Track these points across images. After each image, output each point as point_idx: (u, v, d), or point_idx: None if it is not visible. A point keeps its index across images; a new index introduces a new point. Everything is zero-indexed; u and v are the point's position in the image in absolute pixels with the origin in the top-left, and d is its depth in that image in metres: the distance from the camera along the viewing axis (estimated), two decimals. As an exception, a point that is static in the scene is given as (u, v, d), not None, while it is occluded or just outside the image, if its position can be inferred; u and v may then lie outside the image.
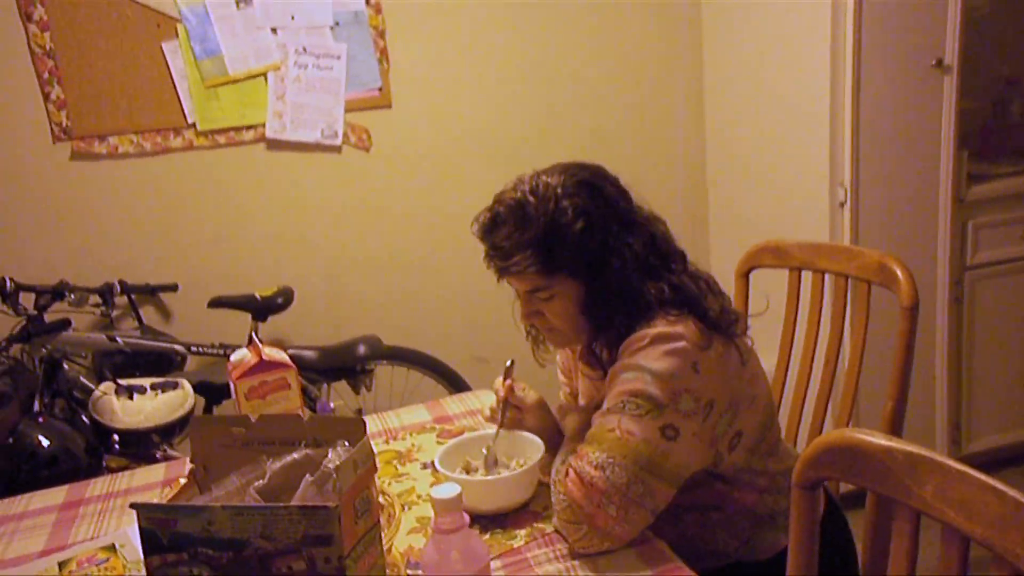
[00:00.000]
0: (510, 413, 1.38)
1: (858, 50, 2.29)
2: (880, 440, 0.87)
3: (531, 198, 1.24)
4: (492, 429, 1.40)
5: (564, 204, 1.23)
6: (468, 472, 1.34)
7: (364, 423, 0.89)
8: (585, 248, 1.23)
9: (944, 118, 2.40)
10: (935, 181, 2.46)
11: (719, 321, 1.23)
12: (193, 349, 2.40)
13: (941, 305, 2.55)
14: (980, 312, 2.63)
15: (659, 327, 1.20)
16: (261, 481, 0.85)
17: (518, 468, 1.31)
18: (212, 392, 2.37)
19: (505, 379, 1.40)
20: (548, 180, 1.26)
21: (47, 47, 2.38)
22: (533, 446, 1.33)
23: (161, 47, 2.47)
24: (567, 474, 1.18)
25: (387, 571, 1.07)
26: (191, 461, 0.93)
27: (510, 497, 1.28)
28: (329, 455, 0.83)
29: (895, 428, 1.46)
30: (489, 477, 1.31)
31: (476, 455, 1.37)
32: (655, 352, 1.19)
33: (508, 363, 1.42)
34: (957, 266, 2.56)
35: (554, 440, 1.35)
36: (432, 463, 1.49)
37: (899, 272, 1.47)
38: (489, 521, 1.26)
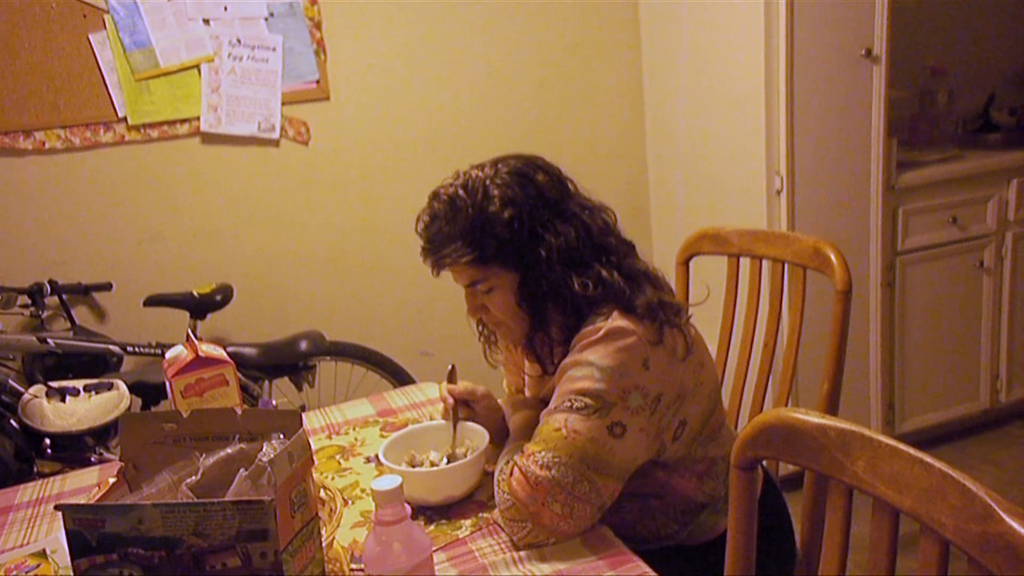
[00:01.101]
0: (462, 411, 1.38)
1: (790, 41, 2.34)
2: (814, 418, 0.89)
3: (461, 192, 1.24)
4: (436, 421, 1.39)
5: (493, 193, 1.23)
6: (413, 466, 1.33)
7: (299, 415, 0.88)
8: (514, 238, 1.23)
9: (874, 107, 2.47)
10: (867, 169, 2.53)
11: (651, 313, 1.22)
12: (129, 349, 2.33)
13: (874, 289, 2.63)
14: (911, 296, 2.71)
15: (613, 321, 1.20)
16: (194, 477, 0.83)
17: (463, 458, 1.31)
18: (149, 392, 2.31)
19: (449, 382, 1.40)
20: (479, 173, 1.26)
21: (-34, 38, 2.29)
22: (478, 436, 1.33)
23: (88, 38, 2.39)
24: (512, 473, 1.17)
25: (328, 566, 1.05)
26: (120, 459, 0.91)
27: (455, 488, 1.27)
28: (264, 449, 0.81)
29: (831, 408, 1.50)
30: (433, 468, 1.30)
31: (421, 448, 1.37)
32: (607, 348, 1.19)
33: (450, 367, 1.43)
34: (888, 251, 2.63)
35: (502, 432, 1.35)
36: (376, 456, 1.48)
37: (833, 257, 1.51)
38: (434, 512, 1.26)
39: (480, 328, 1.45)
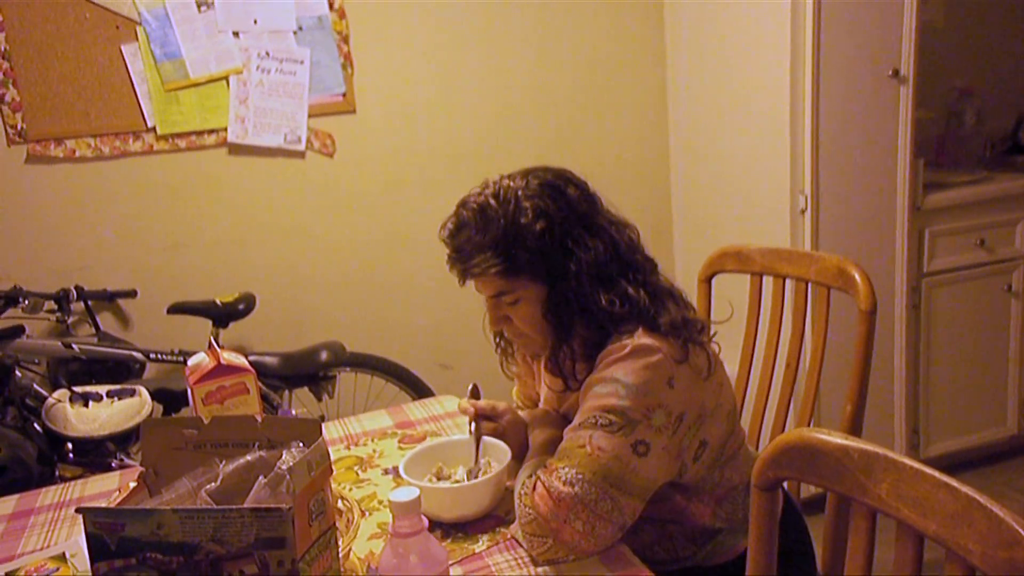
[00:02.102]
0: (487, 424, 1.37)
1: (817, 60, 2.33)
2: (836, 439, 0.88)
3: (492, 201, 1.24)
4: (456, 436, 1.39)
5: (524, 205, 1.22)
6: (440, 478, 1.32)
7: (319, 424, 0.88)
8: (545, 250, 1.22)
9: (900, 127, 2.45)
10: (892, 189, 2.51)
11: (675, 331, 1.22)
12: (152, 356, 2.35)
13: (899, 311, 2.60)
14: (937, 318, 2.68)
15: (639, 339, 1.20)
16: (213, 484, 0.83)
17: (485, 474, 1.29)
18: (171, 399, 2.33)
19: (472, 398, 1.40)
20: (510, 183, 1.25)
21: (2, 48, 2.33)
22: (499, 451, 1.32)
23: (120, 49, 2.43)
24: (535, 488, 1.17)
25: (345, 577, 1.05)
26: (141, 464, 0.91)
27: (477, 504, 1.25)
28: (283, 456, 0.81)
29: (854, 430, 1.48)
30: (454, 485, 1.28)
31: (449, 461, 1.35)
32: (633, 365, 1.18)
33: (472, 386, 1.41)
34: (914, 273, 2.60)
35: (525, 446, 1.34)
36: (394, 469, 1.48)
37: (857, 277, 1.50)
38: (451, 526, 1.25)
39: (498, 340, 1.45)
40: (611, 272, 1.25)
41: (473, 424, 1.36)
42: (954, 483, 0.78)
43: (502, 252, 1.22)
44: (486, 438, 1.35)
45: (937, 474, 0.80)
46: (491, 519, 1.27)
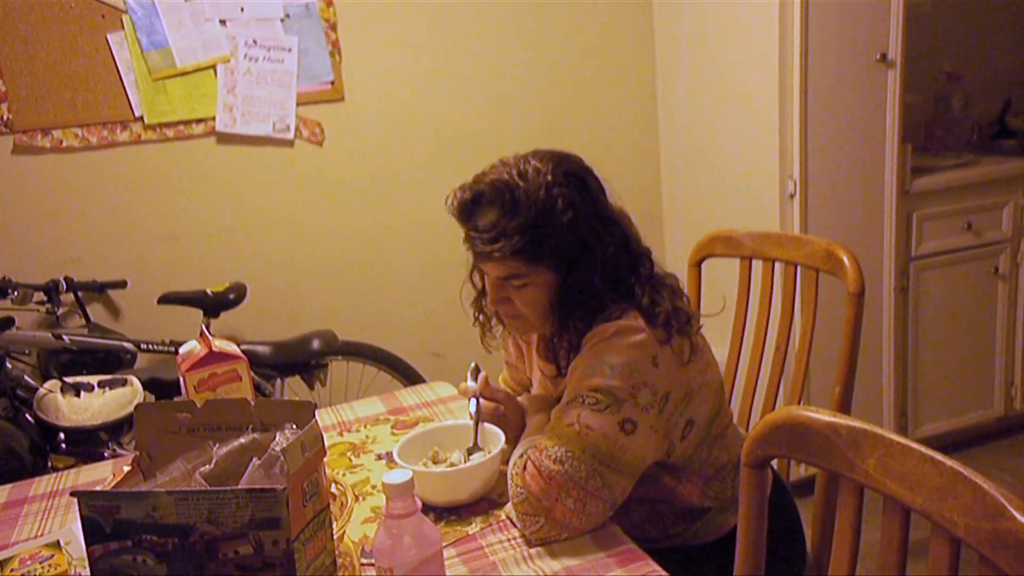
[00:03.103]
0: (487, 405, 1.36)
1: (805, 45, 2.33)
2: (824, 416, 0.89)
3: (520, 181, 1.21)
4: (448, 421, 1.39)
5: (555, 192, 1.21)
6: (436, 462, 1.32)
7: (312, 406, 0.88)
8: (569, 241, 1.22)
9: (888, 111, 2.46)
10: (881, 173, 2.52)
11: (666, 320, 1.23)
12: (143, 347, 2.35)
13: (887, 295, 2.62)
14: (925, 301, 2.70)
15: (623, 320, 1.21)
16: (207, 466, 0.84)
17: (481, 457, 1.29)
18: (163, 389, 2.33)
19: (475, 380, 1.39)
20: (537, 165, 1.23)
21: (-14, 37, 2.31)
22: (493, 436, 1.32)
23: (107, 38, 2.42)
24: (525, 467, 1.18)
25: (339, 559, 1.06)
26: (135, 449, 0.92)
27: (470, 489, 1.26)
28: (277, 438, 0.82)
29: (843, 411, 1.49)
30: (448, 469, 1.29)
31: (445, 446, 1.35)
32: (617, 345, 1.19)
33: (473, 365, 1.40)
34: (902, 257, 2.62)
35: (521, 432, 1.35)
36: (387, 454, 1.48)
37: (846, 259, 1.51)
38: (444, 508, 1.26)
39: (477, 315, 1.44)
40: (622, 268, 1.25)
41: (475, 404, 1.35)
42: (939, 457, 0.79)
43: (529, 238, 1.20)
44: (482, 424, 1.35)
45: (923, 449, 0.81)
46: (483, 501, 1.28)
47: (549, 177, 1.22)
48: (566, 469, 1.15)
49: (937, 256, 2.69)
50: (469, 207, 1.24)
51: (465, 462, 1.30)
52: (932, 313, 2.72)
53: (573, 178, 1.24)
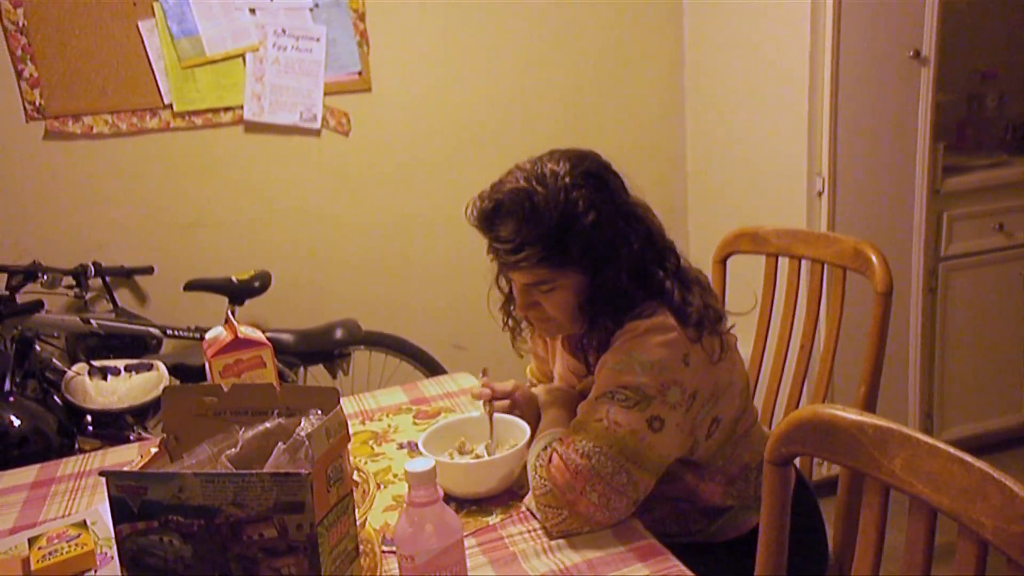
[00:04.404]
0: (499, 403, 1.37)
1: (837, 40, 2.31)
2: (850, 415, 0.88)
3: (539, 187, 1.19)
4: (475, 412, 1.40)
5: (574, 195, 1.19)
6: (463, 453, 1.32)
7: (337, 392, 0.89)
8: (594, 242, 1.20)
9: (920, 110, 2.43)
10: (911, 172, 2.49)
11: (698, 318, 1.22)
12: (169, 332, 2.38)
13: (915, 295, 2.58)
14: (953, 303, 2.66)
15: (655, 317, 1.20)
16: (233, 450, 0.84)
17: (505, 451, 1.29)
18: (188, 375, 2.35)
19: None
20: (555, 168, 1.21)
21: (20, 24, 2.34)
22: (518, 429, 1.32)
23: (137, 26, 2.44)
24: (551, 459, 1.17)
25: (361, 546, 1.07)
26: (163, 431, 0.93)
27: (492, 481, 1.25)
28: (302, 423, 0.82)
29: (867, 411, 1.47)
30: (472, 461, 1.28)
31: (472, 437, 1.35)
32: (648, 343, 1.19)
33: (483, 371, 1.41)
34: (931, 257, 2.59)
35: (536, 421, 1.35)
36: (409, 443, 1.49)
37: (874, 258, 1.49)
38: (465, 500, 1.26)
39: (506, 320, 1.44)
40: (649, 263, 1.24)
41: (487, 405, 1.36)
42: (968, 458, 0.78)
43: (553, 244, 1.19)
44: (504, 416, 1.35)
45: (951, 449, 0.80)
46: (505, 493, 1.28)
47: (567, 179, 1.20)
48: (593, 464, 1.14)
49: (967, 257, 2.65)
50: (489, 218, 1.22)
51: (491, 454, 1.30)
52: (961, 315, 2.68)
53: (592, 178, 1.22)
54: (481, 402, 1.37)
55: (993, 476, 0.75)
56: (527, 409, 1.38)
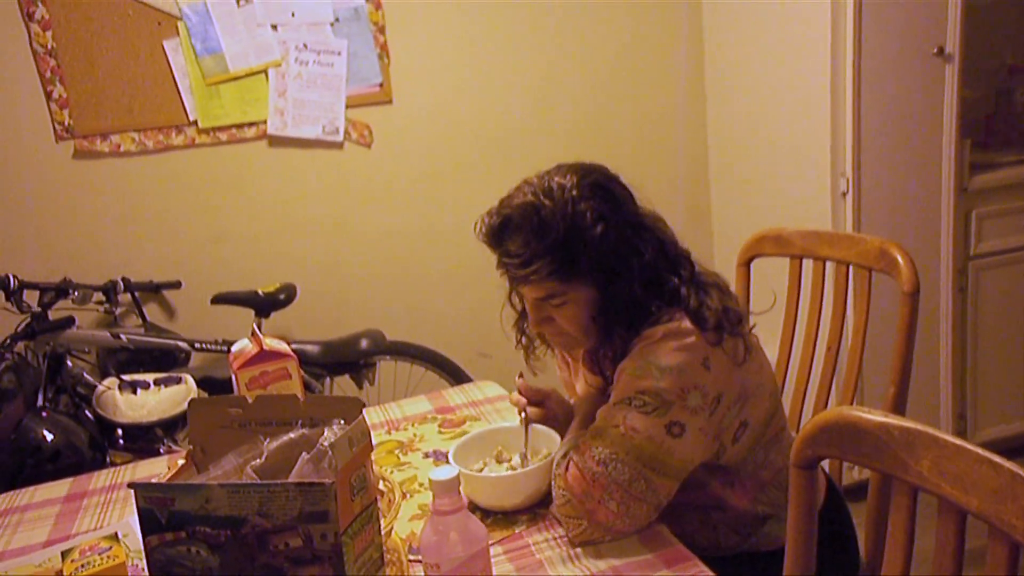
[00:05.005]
0: (534, 411, 1.37)
1: (859, 39, 2.29)
2: (876, 416, 0.87)
3: (546, 201, 1.20)
4: (504, 423, 1.39)
5: (582, 207, 1.19)
6: (500, 462, 1.32)
7: (360, 402, 0.90)
8: (603, 253, 1.20)
9: (946, 107, 2.40)
10: (938, 170, 2.45)
11: (716, 322, 1.21)
12: (196, 346, 2.40)
13: (945, 295, 2.55)
14: (984, 302, 2.62)
15: (673, 322, 1.20)
16: (258, 460, 0.85)
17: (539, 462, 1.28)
18: (216, 388, 2.38)
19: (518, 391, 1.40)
20: (561, 182, 1.21)
21: (49, 46, 2.39)
22: (550, 439, 1.31)
23: (162, 45, 2.48)
24: (567, 468, 1.17)
25: (387, 555, 1.07)
26: (189, 443, 0.94)
27: (525, 493, 1.24)
28: (325, 434, 0.83)
29: (896, 413, 1.46)
30: (502, 474, 1.27)
31: (508, 446, 1.34)
32: (666, 347, 1.18)
33: (518, 375, 1.41)
34: (961, 256, 2.55)
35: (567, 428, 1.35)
36: (435, 452, 1.50)
37: (900, 258, 1.47)
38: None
39: (519, 337, 1.44)
40: (662, 271, 1.24)
41: (523, 413, 1.35)
42: (996, 458, 0.77)
43: (562, 257, 1.19)
44: (539, 426, 1.34)
45: (979, 450, 0.79)
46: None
47: (574, 192, 1.20)
48: (609, 471, 1.14)
49: (997, 255, 2.60)
50: (498, 233, 1.23)
51: (525, 464, 1.29)
52: (992, 314, 2.64)
53: (599, 189, 1.22)
54: (517, 410, 1.37)
55: (1022, 476, 0.74)
56: (561, 416, 1.38)
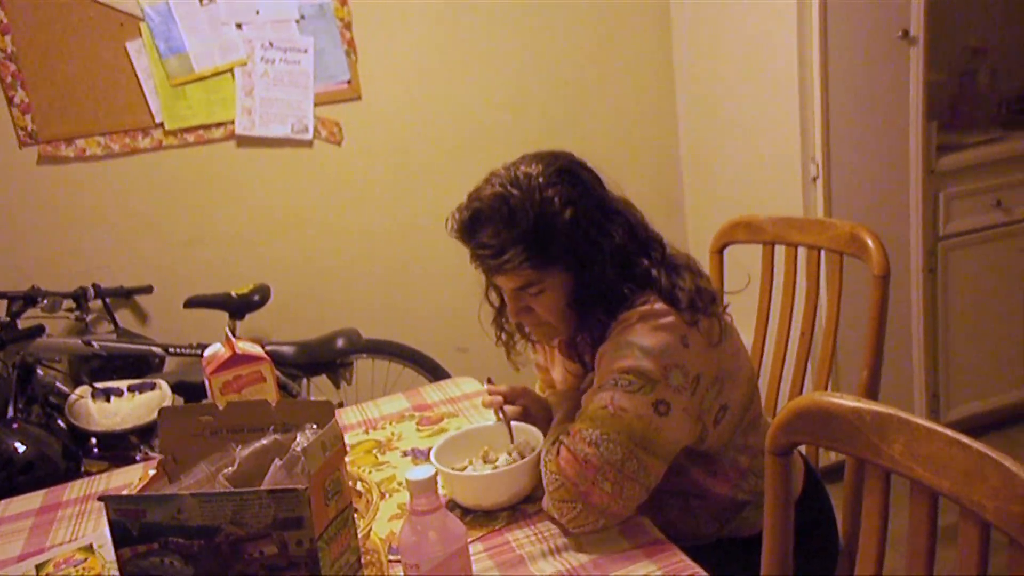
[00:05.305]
0: (511, 409, 1.37)
1: (825, 24, 2.30)
2: (848, 402, 0.88)
3: (513, 190, 1.21)
4: (485, 422, 1.39)
5: (549, 193, 1.20)
6: (487, 461, 1.30)
7: (331, 405, 0.89)
8: (574, 237, 1.21)
9: (912, 89, 2.42)
10: (905, 153, 2.48)
11: (691, 302, 1.22)
12: (170, 350, 2.38)
13: (915, 276, 2.58)
14: (954, 282, 2.66)
15: (649, 305, 1.20)
16: (231, 468, 0.84)
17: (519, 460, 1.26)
18: (191, 392, 2.35)
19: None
20: (527, 170, 1.23)
21: (8, 50, 2.35)
22: (534, 438, 1.30)
23: (125, 47, 2.44)
24: (559, 452, 1.17)
25: (366, 557, 1.06)
26: (160, 452, 0.93)
27: (511, 491, 1.23)
28: (297, 439, 0.82)
29: (870, 395, 1.47)
30: (484, 473, 1.26)
31: (494, 445, 1.33)
32: (644, 328, 1.19)
33: (488, 380, 1.42)
34: (930, 236, 2.58)
35: (548, 424, 1.34)
36: (413, 451, 1.49)
37: (870, 242, 1.49)
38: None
39: (499, 333, 1.44)
40: (632, 254, 1.24)
41: (500, 412, 1.35)
42: (966, 440, 0.78)
43: (534, 244, 1.20)
44: (520, 424, 1.34)
45: (949, 432, 0.80)
46: (510, 498, 1.27)
47: (541, 179, 1.21)
48: (602, 452, 1.14)
49: (966, 235, 2.64)
50: (469, 227, 1.24)
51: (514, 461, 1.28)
52: (962, 293, 2.67)
53: (566, 174, 1.23)
54: (493, 411, 1.36)
55: (991, 457, 0.75)
56: (538, 413, 1.37)
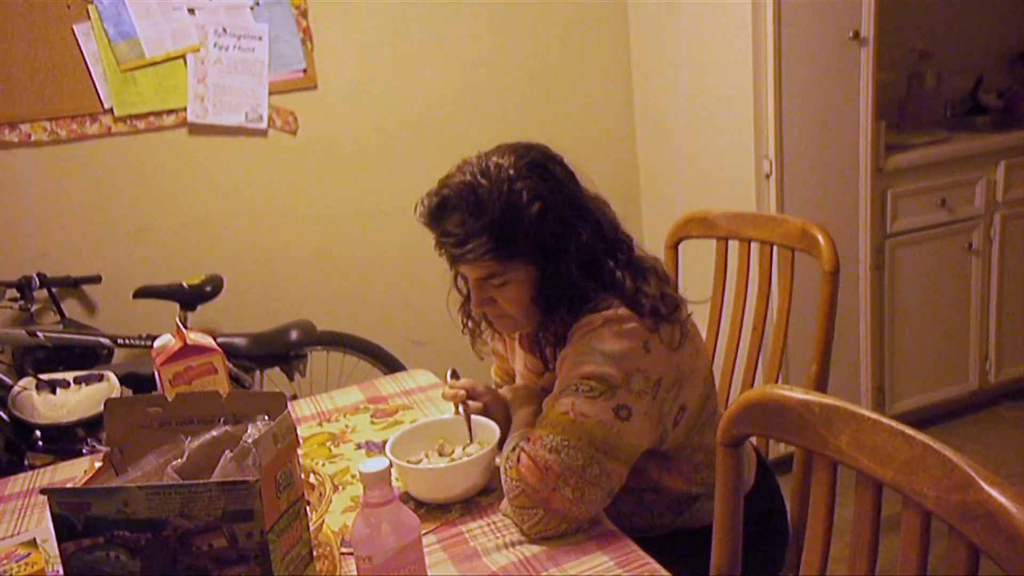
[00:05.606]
0: (472, 404, 1.36)
1: (778, 24, 2.33)
2: (798, 394, 0.90)
3: (483, 180, 1.20)
4: (443, 416, 1.39)
5: (518, 186, 1.19)
6: (443, 454, 1.30)
7: (284, 397, 0.88)
8: (541, 232, 1.20)
9: (862, 89, 2.47)
10: (855, 151, 2.53)
11: (653, 308, 1.22)
12: (119, 341, 2.33)
13: (863, 272, 2.63)
14: (900, 278, 2.72)
15: (612, 310, 1.20)
16: (180, 460, 0.83)
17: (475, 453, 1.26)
18: (140, 384, 2.31)
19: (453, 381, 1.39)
20: (499, 161, 1.22)
21: (-51, 31, 2.27)
22: (488, 430, 1.30)
23: (73, 29, 2.38)
24: (519, 459, 1.16)
25: (318, 550, 1.06)
26: (106, 444, 0.91)
27: (466, 484, 1.23)
28: (249, 430, 0.81)
29: (820, 389, 1.51)
30: (439, 466, 1.25)
31: (451, 438, 1.32)
32: (607, 334, 1.19)
33: (450, 370, 1.41)
34: (878, 234, 2.64)
35: (507, 425, 1.34)
36: (367, 443, 1.48)
37: (820, 238, 1.51)
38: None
39: (465, 322, 1.44)
40: (598, 254, 1.24)
41: (461, 406, 1.35)
42: (909, 431, 0.80)
43: (499, 236, 1.19)
44: (478, 418, 1.33)
45: (894, 424, 0.82)
46: (464, 490, 1.27)
47: (511, 171, 1.20)
48: (563, 458, 1.14)
49: (912, 233, 2.71)
50: (436, 213, 1.23)
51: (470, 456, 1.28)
52: (908, 289, 2.74)
53: (537, 169, 1.23)
54: (452, 404, 1.36)
55: (933, 448, 0.77)
56: (497, 413, 1.37)
